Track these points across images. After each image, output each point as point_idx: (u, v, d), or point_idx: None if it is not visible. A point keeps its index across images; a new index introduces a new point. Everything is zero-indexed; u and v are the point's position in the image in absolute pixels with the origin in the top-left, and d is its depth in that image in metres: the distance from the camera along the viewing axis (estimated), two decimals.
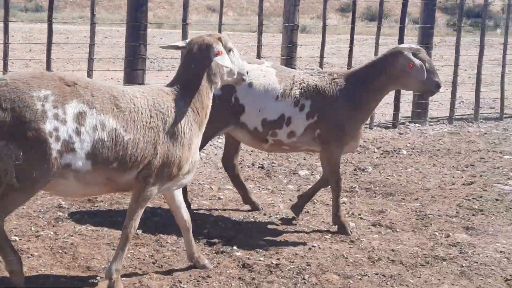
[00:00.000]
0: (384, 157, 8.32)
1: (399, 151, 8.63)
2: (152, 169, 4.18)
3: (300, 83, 5.60)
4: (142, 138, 4.12)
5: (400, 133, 9.76)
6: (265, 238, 5.30)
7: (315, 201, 6.28)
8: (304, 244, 5.19)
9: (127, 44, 8.57)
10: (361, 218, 5.90)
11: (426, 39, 10.41)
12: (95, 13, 8.23)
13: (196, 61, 4.39)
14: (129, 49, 8.54)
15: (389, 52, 5.61)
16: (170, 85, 4.42)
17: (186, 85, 4.38)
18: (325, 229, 5.57)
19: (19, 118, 3.86)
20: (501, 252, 5.21)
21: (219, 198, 6.34)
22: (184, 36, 8.70)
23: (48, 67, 7.88)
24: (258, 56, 9.30)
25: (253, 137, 5.64)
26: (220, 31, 9.03)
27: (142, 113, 4.15)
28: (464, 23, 37.21)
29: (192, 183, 6.69)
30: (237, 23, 35.72)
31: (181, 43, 4.56)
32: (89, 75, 8.14)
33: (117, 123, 4.03)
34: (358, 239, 5.36)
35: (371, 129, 9.82)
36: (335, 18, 39.85)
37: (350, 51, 9.92)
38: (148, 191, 4.23)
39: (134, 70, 8.53)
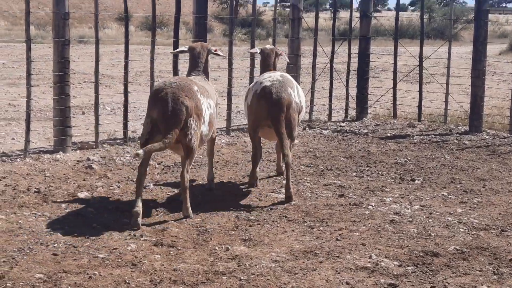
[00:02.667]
0: (166, 173, 8.39)
1: (180, 165, 8.73)
2: None
3: None
4: None
5: None
6: (43, 270, 5.11)
7: (95, 225, 6.22)
8: (84, 272, 5.08)
9: None
10: (144, 239, 5.88)
11: None
12: None
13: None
14: None
15: None
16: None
17: None
18: (106, 255, 5.50)
19: (196, 102, 6.49)
20: (275, 261, 5.44)
21: None
22: None
23: None
24: (28, 73, 8.84)
25: None
26: None
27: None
28: (240, 32, 38.50)
29: None
30: (10, 34, 34.15)
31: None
32: None
33: None
34: (140, 261, 5.33)
35: None
36: (114, 28, 39.41)
37: (126, 65, 9.88)
38: None
39: None
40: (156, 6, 10.14)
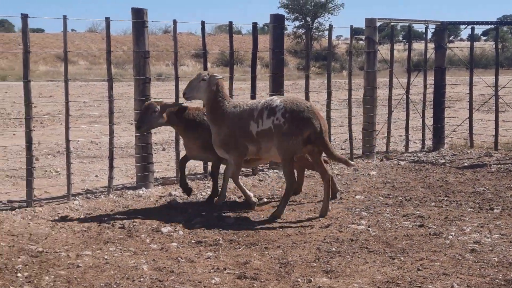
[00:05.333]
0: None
1: (260, 198, 8.85)
2: None
3: None
4: None
5: (260, 180, 10.01)
6: None
7: (179, 259, 6.34)
8: None
9: None
10: (227, 272, 5.96)
11: (277, 87, 10.75)
12: None
13: None
14: None
15: None
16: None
17: None
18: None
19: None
20: None
21: (78, 266, 6.10)
22: (27, 92, 8.25)
23: None
24: (111, 111, 9.07)
25: None
26: (66, 82, 8.69)
27: None
28: (313, 66, 38.69)
29: (47, 252, 6.49)
30: (90, 73, 35.25)
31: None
32: None
33: None
34: None
35: None
36: (190, 65, 40.16)
37: None
38: None
39: None
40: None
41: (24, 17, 8.11)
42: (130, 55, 38.35)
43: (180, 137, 9.23)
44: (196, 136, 8.48)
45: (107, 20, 8.89)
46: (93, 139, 13.60)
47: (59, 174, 10.29)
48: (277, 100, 7.96)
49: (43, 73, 35.11)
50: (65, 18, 8.49)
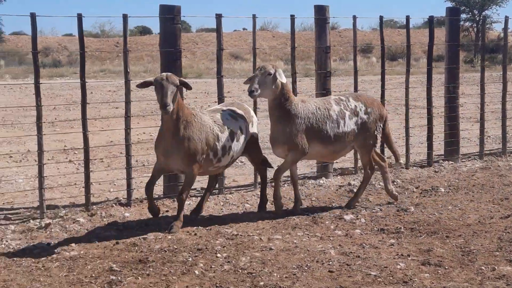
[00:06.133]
0: (424, 196, 8.67)
1: (437, 189, 8.98)
2: None
3: None
4: None
5: (435, 171, 10.11)
6: (322, 285, 5.57)
7: (364, 245, 6.65)
8: None
9: None
10: (411, 259, 6.19)
11: (452, 79, 10.82)
12: (128, 70, 8.25)
13: None
14: None
15: None
16: None
17: None
18: (377, 272, 5.86)
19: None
20: None
21: (270, 249, 6.52)
22: (220, 87, 9.05)
23: (84, 127, 8.11)
24: None
25: None
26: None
27: None
28: (480, 59, 37.79)
29: (241, 235, 7.00)
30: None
31: None
32: (127, 133, 8.31)
33: None
34: (411, 279, 5.65)
35: (407, 168, 10.20)
36: (357, 60, 40.59)
37: (382, 94, 10.33)
38: None
39: None
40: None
41: (218, 17, 8.74)
42: (299, 51, 39.17)
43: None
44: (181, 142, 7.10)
45: (292, 17, 9.35)
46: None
47: (244, 164, 10.87)
48: (351, 99, 7.98)
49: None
50: (254, 16, 9.04)
